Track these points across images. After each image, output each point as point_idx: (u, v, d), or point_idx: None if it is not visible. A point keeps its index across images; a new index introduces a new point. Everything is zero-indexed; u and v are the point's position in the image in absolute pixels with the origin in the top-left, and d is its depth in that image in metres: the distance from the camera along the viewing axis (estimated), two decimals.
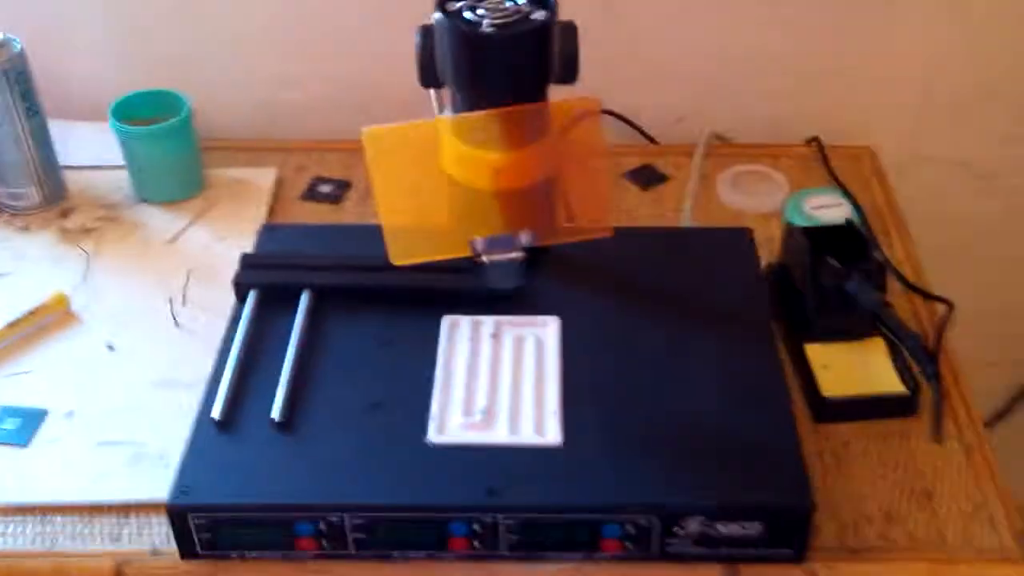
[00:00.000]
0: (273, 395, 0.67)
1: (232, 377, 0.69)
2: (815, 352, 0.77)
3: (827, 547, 0.67)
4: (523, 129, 0.56)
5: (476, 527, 0.63)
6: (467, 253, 0.60)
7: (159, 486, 0.67)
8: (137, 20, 1.00)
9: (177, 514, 0.62)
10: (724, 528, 0.63)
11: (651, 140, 1.04)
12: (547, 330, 0.73)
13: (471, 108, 0.57)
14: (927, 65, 1.01)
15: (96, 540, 0.67)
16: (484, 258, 0.60)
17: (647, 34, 1.00)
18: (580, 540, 0.63)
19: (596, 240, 0.82)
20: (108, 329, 0.81)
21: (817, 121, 1.03)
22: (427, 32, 0.59)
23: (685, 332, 0.73)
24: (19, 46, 0.86)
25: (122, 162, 0.94)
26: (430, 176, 0.58)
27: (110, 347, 0.80)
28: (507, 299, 0.74)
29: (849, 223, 0.81)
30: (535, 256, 0.68)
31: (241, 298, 0.75)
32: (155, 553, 0.66)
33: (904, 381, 0.75)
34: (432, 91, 0.60)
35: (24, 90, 0.86)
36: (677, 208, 0.95)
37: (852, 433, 0.74)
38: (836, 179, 0.97)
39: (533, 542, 0.63)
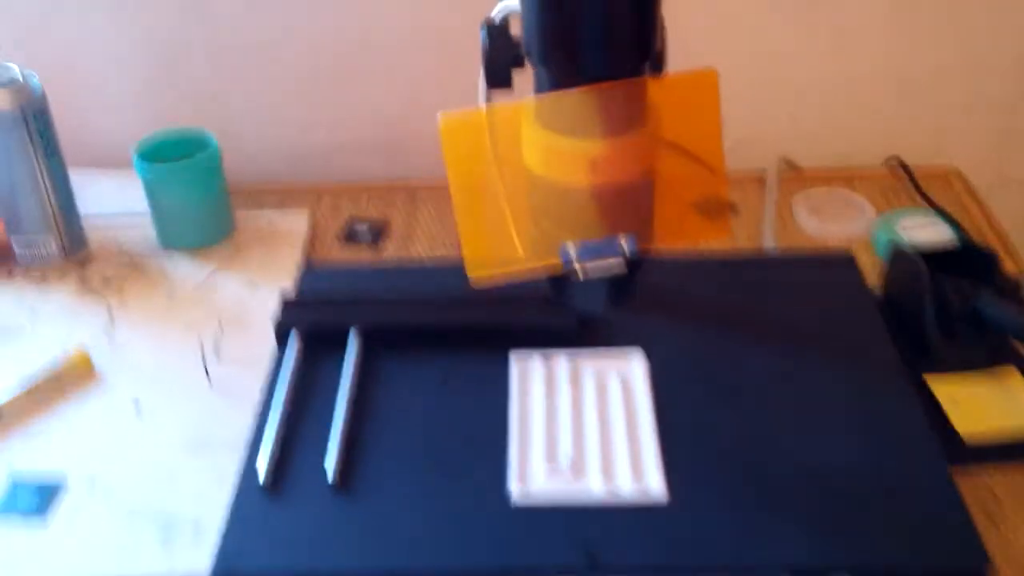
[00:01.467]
0: (324, 451, 0.58)
1: (277, 433, 0.60)
2: (941, 387, 0.67)
3: None
4: (624, 111, 0.47)
5: None
6: (553, 262, 0.51)
7: (194, 561, 0.58)
8: (160, 65, 0.94)
9: None
10: None
11: (711, 171, 0.96)
12: (631, 364, 0.64)
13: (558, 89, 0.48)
14: (1008, 80, 0.93)
15: None
16: (576, 267, 0.51)
17: (698, 47, 0.92)
18: None
19: (676, 264, 0.74)
20: (134, 387, 0.73)
21: (888, 144, 0.95)
22: (492, 30, 0.51)
23: (794, 366, 0.64)
24: (39, 86, 0.79)
25: (145, 210, 0.86)
26: (513, 174, 0.49)
27: (137, 408, 0.71)
28: (580, 333, 0.65)
29: (966, 243, 0.72)
30: (628, 286, 0.59)
31: (282, 343, 0.67)
32: None
33: None
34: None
35: (43, 131, 0.79)
36: (751, 238, 0.86)
37: (998, 480, 0.64)
38: (927, 198, 0.88)
39: None
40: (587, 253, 0.51)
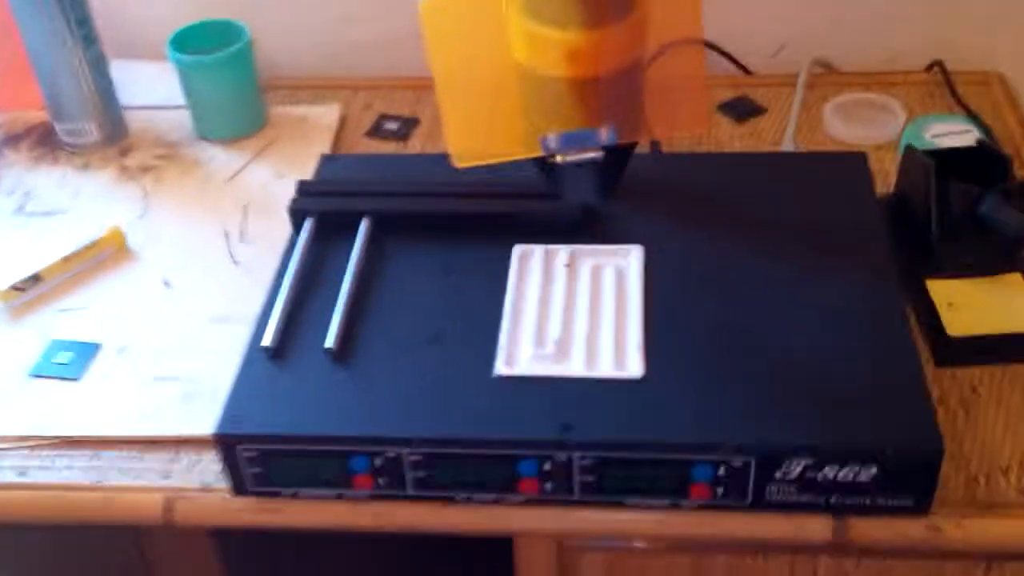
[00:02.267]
0: (327, 323, 0.62)
1: (285, 305, 0.64)
2: (938, 289, 0.68)
3: (952, 501, 0.58)
4: (605, 0, 0.48)
5: (548, 466, 0.56)
6: (537, 153, 0.53)
7: (211, 422, 0.63)
8: None
9: (226, 445, 0.57)
10: (833, 473, 0.54)
11: (745, 71, 0.95)
12: (629, 259, 0.65)
13: None
14: None
15: (147, 475, 0.63)
16: (558, 159, 0.52)
17: None
18: (665, 485, 0.56)
19: (687, 160, 0.75)
20: (164, 265, 0.77)
21: (934, 48, 0.92)
22: None
23: (788, 263, 0.65)
24: None
25: (182, 101, 0.90)
26: (497, 62, 0.51)
27: (166, 283, 0.76)
28: (584, 228, 0.67)
29: (981, 144, 0.72)
30: (614, 176, 0.61)
31: (297, 227, 0.70)
32: (205, 489, 0.62)
33: None
34: None
35: (80, 17, 0.83)
36: (776, 142, 0.86)
37: (983, 377, 0.65)
38: (962, 104, 0.86)
39: (611, 486, 0.56)
40: (568, 143, 0.52)
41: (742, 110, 0.90)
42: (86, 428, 0.66)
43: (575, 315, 0.62)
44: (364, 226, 0.69)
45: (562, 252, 0.66)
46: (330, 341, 0.61)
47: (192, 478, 0.63)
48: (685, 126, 0.55)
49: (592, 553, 0.62)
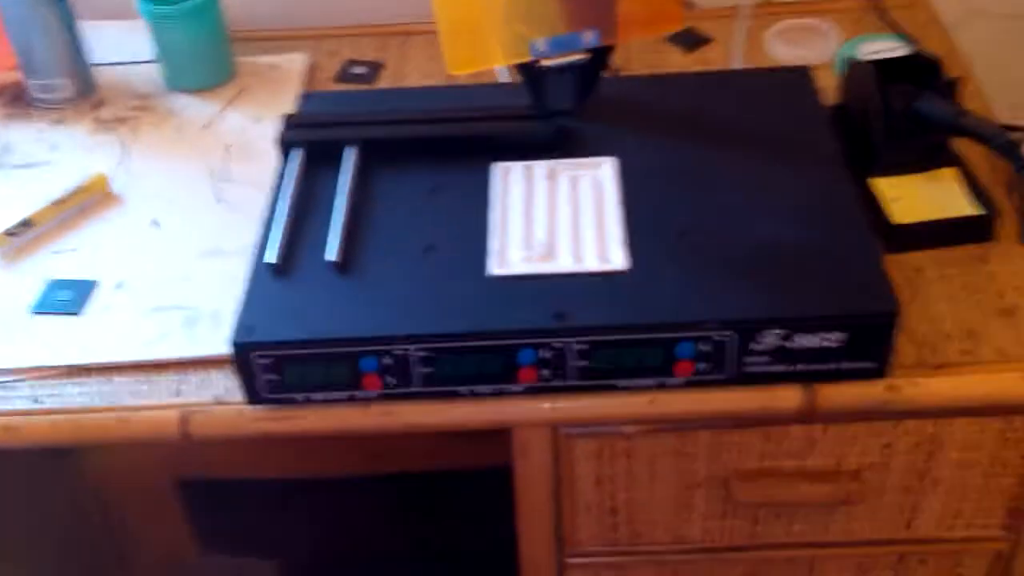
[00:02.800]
0: (326, 240, 0.66)
1: (284, 224, 0.67)
2: (883, 186, 0.74)
3: (905, 365, 0.64)
4: None
5: (544, 354, 0.61)
6: (526, 58, 0.57)
7: (216, 343, 0.66)
8: None
9: (242, 354, 0.61)
10: (803, 340, 0.60)
11: (690, 6, 1.01)
12: (603, 169, 0.70)
13: None
14: None
15: (158, 396, 0.66)
16: (545, 63, 0.57)
17: None
18: (652, 363, 0.61)
19: (647, 82, 0.80)
20: (151, 207, 0.80)
21: None
22: None
23: (749, 162, 0.70)
24: None
25: (150, 57, 0.92)
26: None
27: (154, 223, 0.78)
28: (559, 145, 0.72)
29: (916, 52, 0.78)
30: (593, 80, 0.65)
31: (285, 157, 0.73)
32: (219, 403, 0.65)
33: (979, 205, 0.72)
34: None
35: None
36: (725, 67, 0.92)
37: (926, 261, 0.72)
38: (891, 25, 0.93)
39: (604, 368, 0.61)
40: (555, 47, 0.57)
41: (690, 40, 0.96)
42: (93, 357, 0.68)
43: (558, 219, 0.67)
44: (351, 154, 0.72)
45: (540, 166, 0.71)
46: (331, 254, 0.65)
47: (204, 394, 0.66)
48: (659, 25, 0.60)
49: (584, 440, 0.68)
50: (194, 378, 0.67)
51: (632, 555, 0.75)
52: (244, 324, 0.61)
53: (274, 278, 0.65)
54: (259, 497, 1.32)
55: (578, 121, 0.74)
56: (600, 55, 0.62)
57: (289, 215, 0.68)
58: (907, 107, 0.73)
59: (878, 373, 0.62)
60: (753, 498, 0.70)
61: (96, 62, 0.93)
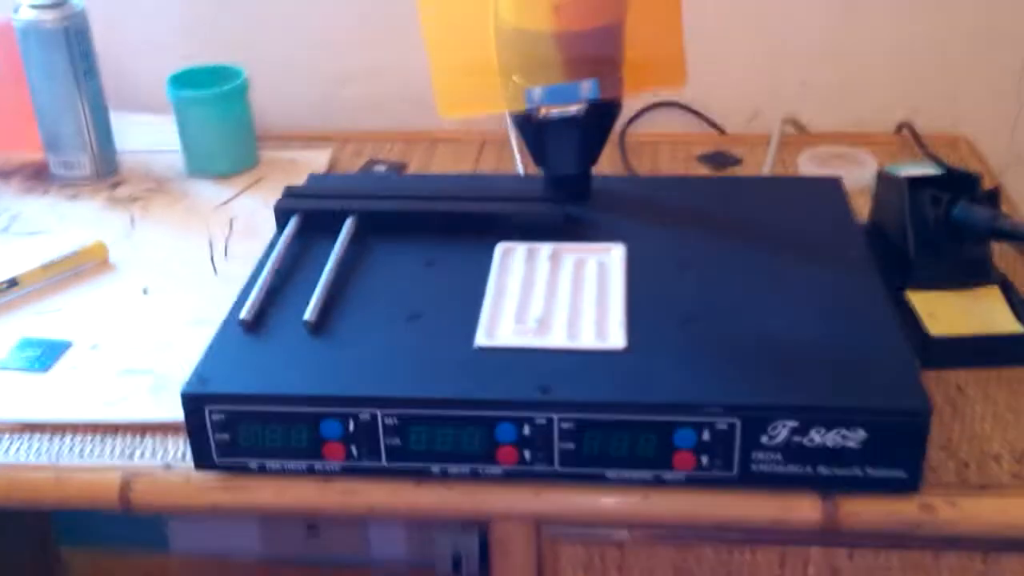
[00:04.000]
0: (306, 302, 0.61)
1: (264, 284, 0.63)
2: (919, 300, 0.68)
3: (944, 483, 0.56)
4: None
5: (527, 430, 0.54)
6: (521, 107, 0.54)
7: (178, 410, 0.61)
8: (198, 13, 1.00)
9: (192, 405, 0.55)
10: (820, 437, 0.53)
11: (721, 131, 0.99)
12: (611, 254, 0.66)
13: None
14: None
15: (105, 458, 0.60)
16: (541, 113, 0.54)
17: (714, 22, 0.96)
18: (648, 453, 0.54)
19: (668, 182, 0.77)
20: (145, 276, 0.77)
21: (899, 115, 0.97)
22: None
23: (770, 261, 0.65)
24: (82, 5, 0.86)
25: (175, 147, 0.92)
26: (486, 19, 0.53)
27: (145, 291, 0.75)
28: (566, 230, 0.68)
29: (949, 169, 0.74)
30: (598, 143, 0.62)
31: (281, 226, 0.70)
32: (166, 468, 0.59)
33: (1022, 321, 0.66)
34: None
35: (84, 50, 0.86)
36: None
37: (968, 379, 0.64)
38: (932, 156, 0.89)
39: (592, 453, 0.54)
40: (552, 96, 0.54)
41: (720, 160, 0.93)
42: (48, 414, 0.63)
43: (557, 297, 0.62)
44: (348, 224, 0.69)
45: (545, 247, 0.67)
46: (309, 314, 0.60)
47: (155, 461, 0.60)
48: (662, 81, 0.57)
49: (571, 546, 0.59)
50: (149, 444, 0.61)
51: None
52: (199, 375, 0.56)
53: (244, 335, 0.60)
54: None
55: (589, 209, 0.70)
56: (603, 112, 0.59)
57: (272, 276, 0.64)
58: (943, 216, 0.68)
59: (910, 486, 0.54)
60: None
61: (121, 149, 0.94)
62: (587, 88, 0.54)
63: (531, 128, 0.57)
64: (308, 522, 1.17)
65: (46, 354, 0.69)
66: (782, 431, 0.53)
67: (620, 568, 0.59)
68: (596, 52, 0.54)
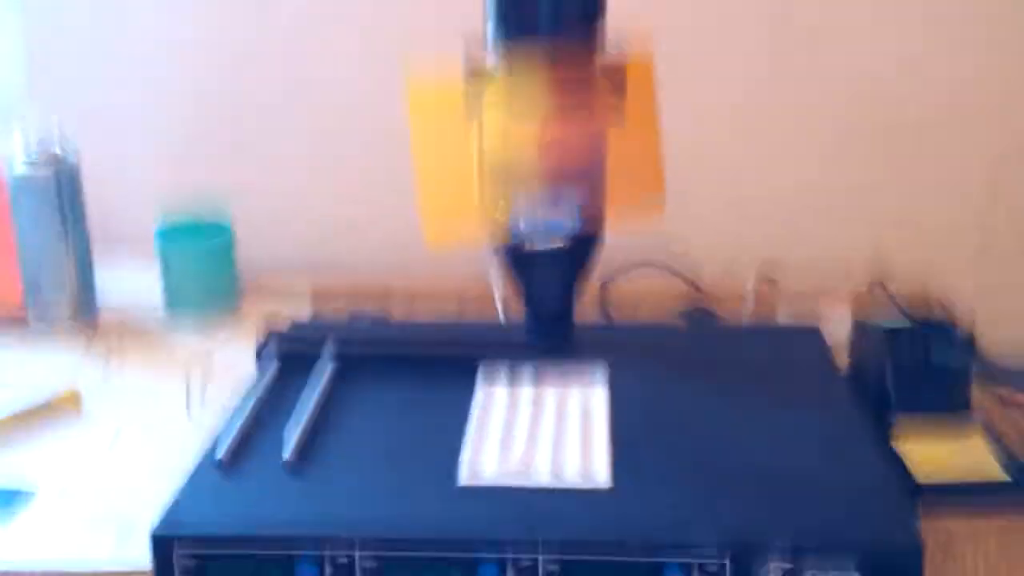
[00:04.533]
0: (285, 441, 0.60)
1: (241, 425, 0.62)
2: (904, 447, 0.68)
3: None
4: (573, 96, 0.53)
5: (510, 573, 0.52)
6: (507, 241, 0.55)
7: (145, 556, 0.58)
8: (184, 155, 1.03)
9: (160, 548, 0.53)
10: (813, 572, 0.51)
11: (697, 289, 1.01)
12: (594, 393, 0.66)
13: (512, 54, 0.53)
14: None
15: None
16: (527, 247, 0.55)
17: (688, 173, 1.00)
18: None
19: (649, 328, 0.78)
20: (118, 423, 0.75)
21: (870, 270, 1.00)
22: None
23: (756, 399, 0.66)
24: (74, 157, 0.88)
25: (157, 296, 0.92)
26: (469, 152, 0.55)
27: (116, 438, 0.73)
28: (547, 372, 0.68)
29: (925, 319, 0.75)
30: (583, 274, 0.63)
31: (261, 368, 0.70)
32: None
33: (1010, 470, 0.65)
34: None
35: (73, 201, 0.87)
36: None
37: (957, 526, 0.63)
38: (905, 312, 0.91)
39: None
40: (537, 231, 0.55)
41: (696, 316, 0.94)
42: (9, 566, 0.60)
43: (539, 434, 0.61)
44: (326, 365, 0.69)
45: (526, 387, 0.66)
46: (287, 454, 0.59)
47: None
48: (642, 196, 0.59)
49: None
50: None
51: None
52: (170, 516, 0.54)
53: (218, 474, 0.58)
54: None
55: (571, 354, 0.71)
56: (587, 245, 0.61)
57: (249, 417, 0.63)
58: (922, 363, 0.69)
59: None
60: None
61: (102, 296, 0.93)
62: (571, 223, 0.56)
63: (516, 258, 0.58)
64: None
65: (8, 506, 0.66)
66: (774, 568, 0.51)
67: None
68: (580, 185, 0.56)
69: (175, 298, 0.91)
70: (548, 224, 0.56)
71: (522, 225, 0.56)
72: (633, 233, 0.66)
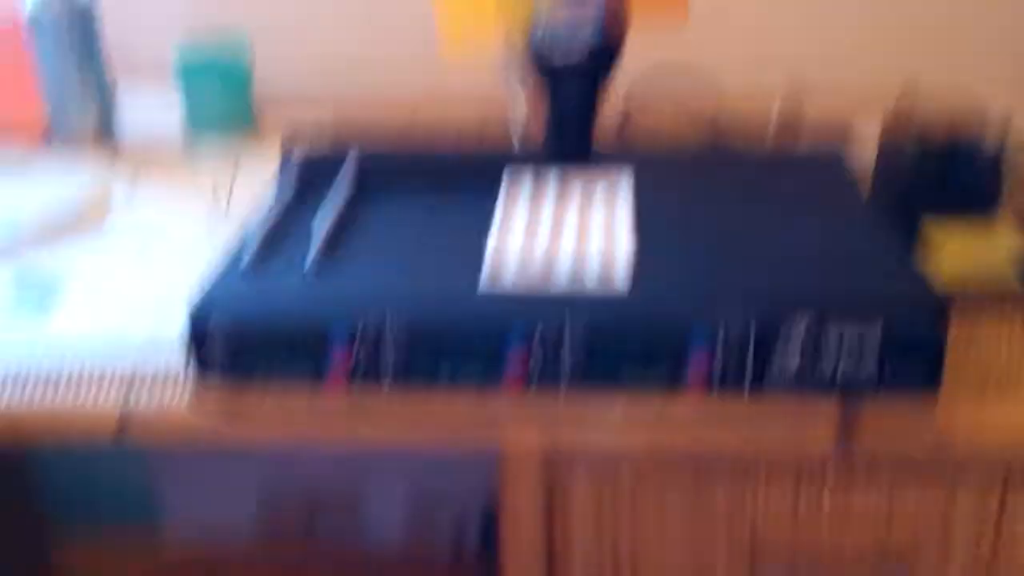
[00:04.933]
0: (310, 239, 0.60)
1: (268, 229, 0.62)
2: (930, 238, 0.68)
3: (964, 399, 0.55)
4: None
5: (536, 343, 0.53)
6: (527, 52, 0.53)
7: (179, 348, 0.60)
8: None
9: (197, 325, 0.54)
10: (837, 337, 0.51)
11: (718, 117, 0.98)
12: (619, 179, 0.65)
13: None
14: None
15: (104, 390, 0.59)
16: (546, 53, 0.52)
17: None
18: (659, 365, 0.53)
19: (669, 150, 0.77)
20: (145, 230, 0.76)
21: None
22: None
23: (780, 199, 0.65)
24: None
25: (177, 117, 0.92)
26: None
27: (143, 245, 0.74)
28: (568, 179, 0.68)
29: (955, 137, 0.73)
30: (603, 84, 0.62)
31: (284, 172, 0.70)
32: (166, 398, 0.57)
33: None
34: None
35: (91, 35, 0.86)
36: None
37: (981, 310, 0.63)
38: (935, 131, 0.89)
39: (602, 365, 0.53)
40: (557, 40, 0.53)
41: (720, 143, 0.92)
42: (45, 352, 0.62)
43: (563, 231, 0.61)
44: (351, 168, 0.68)
45: (551, 191, 0.66)
46: (312, 250, 0.59)
47: (153, 394, 0.58)
48: (665, 13, 0.56)
49: (582, 476, 0.58)
50: (149, 378, 0.60)
51: None
52: (204, 297, 0.55)
53: (247, 266, 0.59)
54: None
55: (592, 160, 0.70)
56: (606, 54, 0.59)
57: (274, 222, 0.63)
58: (950, 158, 0.68)
59: (930, 387, 0.53)
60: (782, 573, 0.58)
61: (125, 130, 0.93)
62: (590, 27, 0.54)
63: (535, 75, 0.57)
64: (307, 504, 1.15)
65: (43, 297, 0.67)
66: (799, 332, 0.52)
67: (632, 496, 0.58)
68: None
69: (195, 124, 0.91)
70: (568, 35, 0.53)
71: (541, 36, 0.54)
72: (656, 44, 0.64)
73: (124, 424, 0.57)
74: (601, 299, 0.53)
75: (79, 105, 0.88)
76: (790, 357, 0.52)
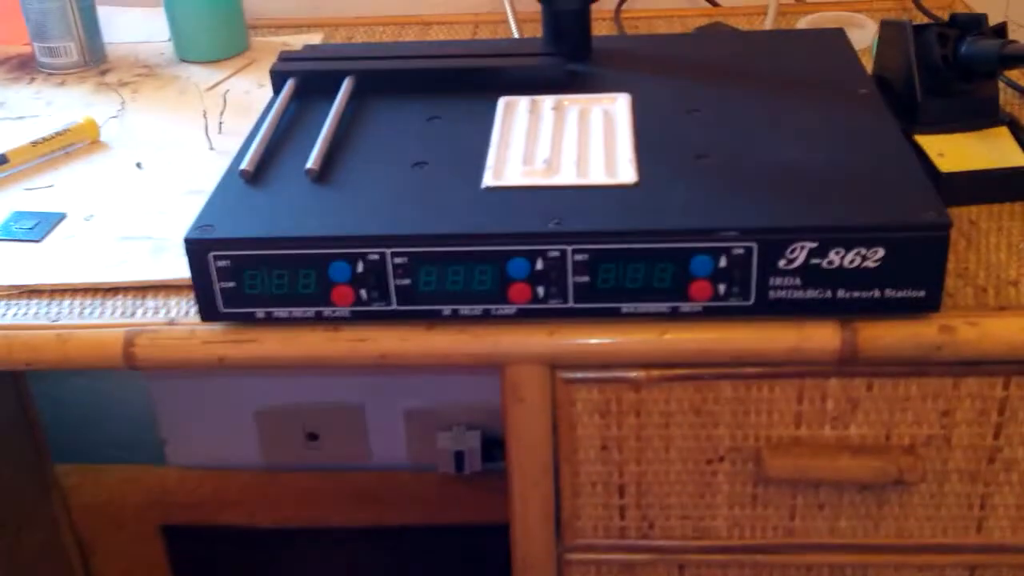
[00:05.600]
0: (308, 154, 0.60)
1: (265, 138, 0.61)
2: (928, 141, 0.67)
3: (963, 306, 0.55)
4: None
5: (540, 265, 0.53)
6: None
7: (181, 269, 0.60)
8: None
9: (196, 251, 0.54)
10: (838, 258, 0.52)
11: (714, 3, 0.97)
12: (616, 103, 0.64)
13: None
14: None
15: (107, 317, 0.59)
16: None
17: None
18: (663, 284, 0.53)
19: (669, 37, 0.76)
20: (138, 152, 0.75)
21: None
22: None
23: (780, 100, 0.64)
24: None
25: (163, 38, 0.90)
26: None
27: (139, 165, 0.73)
28: (568, 84, 0.66)
29: (954, 15, 0.72)
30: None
31: (277, 89, 0.68)
32: (171, 323, 0.58)
33: None
34: None
35: None
36: None
37: (980, 214, 0.63)
38: (930, 15, 0.88)
39: (606, 287, 0.53)
40: None
41: (716, 29, 0.91)
42: (46, 279, 0.62)
43: (564, 141, 0.60)
44: (347, 83, 0.67)
45: (548, 99, 0.65)
46: (311, 163, 0.58)
47: (158, 318, 0.59)
48: None
49: (587, 389, 0.59)
50: (151, 303, 0.60)
51: (643, 552, 0.64)
52: (202, 222, 0.55)
53: (245, 185, 0.58)
54: (250, 547, 1.23)
55: (591, 65, 0.69)
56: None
57: (272, 131, 0.63)
58: (950, 55, 0.66)
59: (930, 306, 0.53)
60: (786, 474, 0.59)
61: (109, 39, 0.91)
62: None
63: None
64: (308, 430, 1.17)
65: (40, 225, 0.67)
66: (800, 253, 0.52)
67: (637, 410, 0.59)
68: None
69: (183, 39, 0.88)
70: None
71: None
72: None
73: (129, 346, 0.57)
74: (599, 232, 0.52)
75: (62, 25, 0.86)
76: (791, 279, 0.52)
